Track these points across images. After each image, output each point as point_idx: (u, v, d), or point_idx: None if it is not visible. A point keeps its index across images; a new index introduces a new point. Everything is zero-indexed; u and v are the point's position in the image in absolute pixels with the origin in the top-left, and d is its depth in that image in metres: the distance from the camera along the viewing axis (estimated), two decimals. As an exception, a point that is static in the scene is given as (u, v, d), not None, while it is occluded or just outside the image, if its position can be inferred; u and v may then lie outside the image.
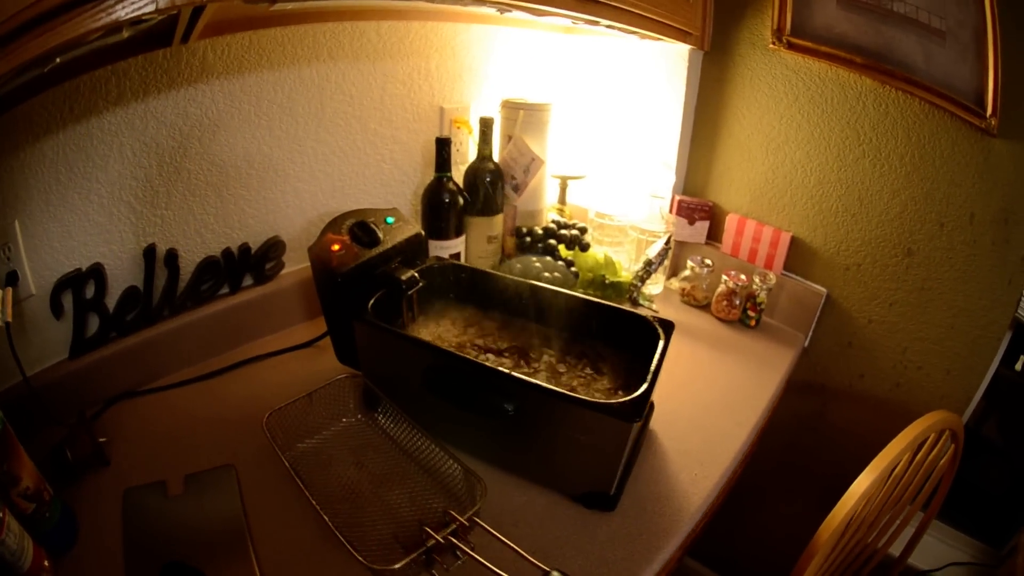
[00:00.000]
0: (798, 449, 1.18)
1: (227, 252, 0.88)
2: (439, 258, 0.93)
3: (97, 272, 0.76)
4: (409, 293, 0.80)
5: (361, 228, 0.83)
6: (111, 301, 0.79)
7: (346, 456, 0.69)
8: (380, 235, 0.83)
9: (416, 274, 0.81)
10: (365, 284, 0.79)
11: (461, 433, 0.72)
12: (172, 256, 0.82)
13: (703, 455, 0.79)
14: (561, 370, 0.80)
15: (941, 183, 0.91)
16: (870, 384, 1.06)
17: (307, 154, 0.95)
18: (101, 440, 0.68)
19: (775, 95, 1.04)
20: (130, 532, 0.60)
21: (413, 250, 0.88)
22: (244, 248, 0.90)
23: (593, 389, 0.77)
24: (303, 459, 0.67)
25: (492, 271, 0.95)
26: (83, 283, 0.75)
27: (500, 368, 0.68)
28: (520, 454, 0.72)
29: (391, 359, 0.78)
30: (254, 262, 0.91)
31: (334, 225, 0.82)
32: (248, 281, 0.93)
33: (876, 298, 1.01)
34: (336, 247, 0.79)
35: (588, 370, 0.81)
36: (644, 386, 0.65)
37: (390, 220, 0.87)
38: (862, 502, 0.78)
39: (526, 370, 0.80)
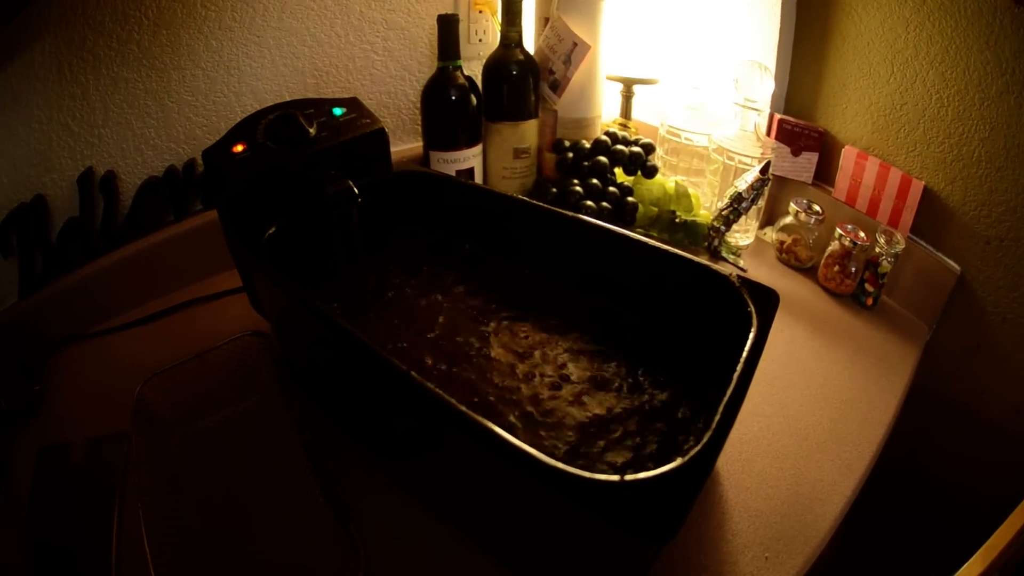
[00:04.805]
0: (889, 481, 1.07)
1: (171, 170, 0.89)
2: (411, 167, 0.82)
3: (39, 204, 0.81)
4: (339, 215, 0.71)
5: (282, 122, 0.70)
6: (55, 234, 0.84)
7: (244, 448, 0.67)
8: (310, 131, 0.71)
9: (352, 186, 0.69)
10: (275, 201, 0.69)
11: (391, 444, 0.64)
12: (108, 179, 0.85)
13: (786, 521, 0.61)
14: (565, 370, 0.65)
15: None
16: (990, 404, 0.93)
17: (267, 46, 0.91)
18: (36, 388, 0.76)
19: (898, -7, 0.87)
20: (35, 495, 0.66)
21: (369, 154, 0.77)
22: (190, 165, 0.91)
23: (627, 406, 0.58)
24: (199, 443, 0.68)
25: (489, 188, 0.84)
26: (26, 217, 0.80)
27: (391, 360, 0.49)
28: (464, 505, 0.59)
29: (289, 316, 0.67)
30: (202, 180, 0.92)
31: (249, 121, 0.72)
32: (198, 206, 0.95)
33: (1016, 289, 0.86)
34: (239, 148, 0.68)
35: (625, 372, 0.63)
36: (699, 445, 0.40)
37: (338, 111, 0.76)
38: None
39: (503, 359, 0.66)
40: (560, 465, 0.39)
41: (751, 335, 0.51)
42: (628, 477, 0.38)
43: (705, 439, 0.41)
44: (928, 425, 1.01)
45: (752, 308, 0.55)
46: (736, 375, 0.47)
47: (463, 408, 0.44)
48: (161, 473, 0.63)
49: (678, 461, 0.39)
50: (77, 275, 0.86)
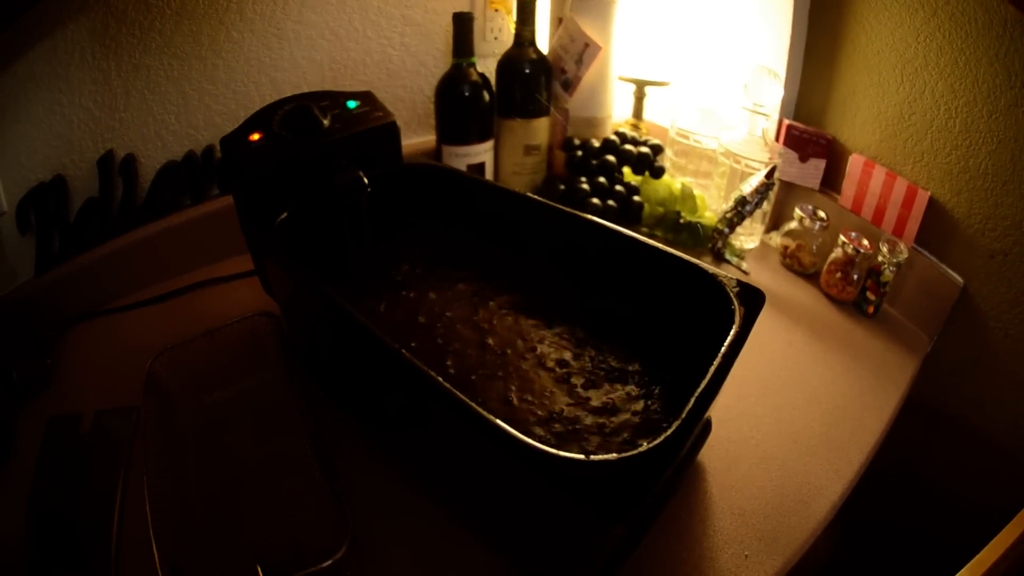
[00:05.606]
0: (888, 488, 1.06)
1: (190, 155, 0.93)
2: (421, 160, 0.85)
3: (59, 184, 0.85)
4: (348, 204, 0.74)
5: (298, 113, 0.74)
6: (73, 214, 0.87)
7: (248, 424, 0.71)
8: (324, 123, 0.74)
9: (362, 176, 0.72)
10: (288, 189, 0.73)
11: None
12: (127, 162, 0.89)
13: (769, 522, 0.62)
14: (562, 357, 0.68)
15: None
16: (989, 419, 0.93)
17: (287, 39, 0.95)
18: (48, 362, 0.79)
19: (909, 4, 0.89)
20: (41, 463, 0.69)
21: (380, 147, 0.79)
22: (209, 150, 0.95)
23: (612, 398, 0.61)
24: (206, 417, 0.71)
25: (494, 183, 0.86)
26: (45, 196, 0.84)
27: (383, 338, 0.52)
28: (449, 481, 0.62)
29: (297, 299, 0.70)
30: (219, 166, 0.96)
31: (266, 111, 0.75)
32: (215, 191, 0.98)
33: (1019, 304, 0.87)
34: (256, 136, 0.72)
35: (610, 363, 0.66)
36: (667, 432, 0.42)
37: (352, 104, 0.79)
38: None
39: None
40: (530, 441, 0.41)
41: (732, 332, 0.53)
42: (594, 457, 0.39)
43: (674, 426, 0.43)
44: (927, 435, 1.02)
45: (736, 305, 0.56)
46: (711, 370, 0.49)
47: (446, 384, 0.46)
48: (168, 445, 0.66)
49: (643, 446, 0.41)
50: (94, 253, 0.89)
